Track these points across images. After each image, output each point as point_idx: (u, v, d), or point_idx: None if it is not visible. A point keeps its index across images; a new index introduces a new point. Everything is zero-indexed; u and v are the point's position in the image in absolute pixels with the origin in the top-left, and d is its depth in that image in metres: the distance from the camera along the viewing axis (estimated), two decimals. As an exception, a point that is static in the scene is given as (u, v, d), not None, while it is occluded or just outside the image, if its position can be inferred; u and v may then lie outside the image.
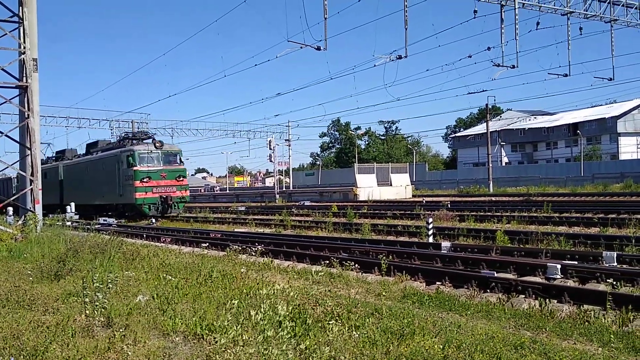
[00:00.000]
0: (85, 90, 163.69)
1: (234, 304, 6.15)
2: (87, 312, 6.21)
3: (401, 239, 15.30)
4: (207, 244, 15.26)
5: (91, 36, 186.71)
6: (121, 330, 5.47)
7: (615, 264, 9.61)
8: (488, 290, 8.23)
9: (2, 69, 16.35)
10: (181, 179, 31.40)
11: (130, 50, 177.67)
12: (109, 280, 7.15)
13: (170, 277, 8.32)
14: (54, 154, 47.50)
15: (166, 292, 7.19)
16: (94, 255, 9.92)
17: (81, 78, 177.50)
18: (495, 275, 8.80)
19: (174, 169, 31.42)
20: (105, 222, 27.89)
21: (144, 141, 32.52)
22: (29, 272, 9.50)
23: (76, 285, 7.72)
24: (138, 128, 45.30)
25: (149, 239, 18.22)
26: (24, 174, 16.66)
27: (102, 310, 6.15)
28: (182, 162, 32.82)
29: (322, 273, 9.73)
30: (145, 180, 29.80)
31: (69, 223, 19.35)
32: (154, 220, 27.63)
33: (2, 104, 17.30)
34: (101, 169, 34.44)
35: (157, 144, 31.33)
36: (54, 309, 6.66)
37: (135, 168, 30.11)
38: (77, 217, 28.30)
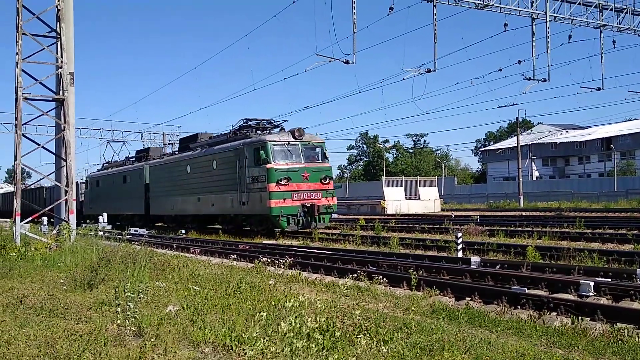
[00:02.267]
0: (119, 103, 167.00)
1: (262, 315, 6.19)
2: (119, 321, 6.32)
3: (430, 253, 15.18)
4: (236, 255, 15.36)
5: (124, 54, 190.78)
6: (152, 340, 5.55)
7: (651, 281, 9.38)
8: (519, 307, 8.10)
9: (40, 82, 16.83)
10: (327, 181, 23.32)
11: (162, 65, 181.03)
12: (140, 290, 7.27)
13: (199, 288, 8.41)
14: (131, 154, 42.38)
15: (196, 303, 7.27)
16: (125, 265, 10.08)
17: (115, 92, 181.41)
18: (526, 291, 8.66)
19: (318, 167, 23.34)
20: (136, 232, 28.18)
21: (272, 130, 24.74)
22: (63, 281, 9.72)
23: (108, 295, 7.86)
24: (169, 140, 45.92)
25: (179, 249, 18.41)
26: (59, 184, 17.04)
27: (134, 319, 6.25)
28: (327, 157, 24.56)
29: (350, 286, 9.73)
30: (283, 182, 21.97)
31: (101, 233, 19.71)
32: (183, 231, 27.80)
33: (39, 116, 17.76)
34: (209, 169, 26.36)
35: (297, 133, 23.08)
36: (87, 318, 6.79)
37: (269, 165, 22.05)
38: (109, 227, 28.37)
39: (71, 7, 17.09)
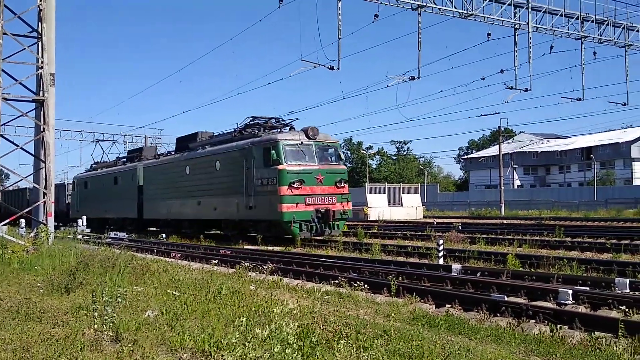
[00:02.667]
0: (99, 105, 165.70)
1: (242, 321, 6.15)
2: (96, 326, 6.23)
3: (411, 260, 15.22)
4: (217, 260, 15.27)
5: (106, 56, 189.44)
6: (129, 345, 5.48)
7: (628, 290, 9.49)
8: (498, 314, 8.15)
9: (20, 83, 16.62)
10: (342, 184, 21.66)
11: (145, 68, 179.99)
12: (119, 295, 7.18)
13: (179, 293, 8.33)
14: (122, 154, 40.68)
15: (175, 308, 7.20)
16: (104, 269, 9.96)
17: (95, 93, 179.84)
18: (506, 299, 8.72)
19: (333, 170, 21.71)
20: (116, 235, 27.86)
21: (283, 129, 22.98)
22: (40, 284, 9.58)
23: (86, 299, 7.76)
24: (151, 143, 45.45)
25: (159, 254, 18.26)
26: (37, 186, 16.82)
27: (111, 324, 6.16)
28: (342, 159, 23.56)
29: (332, 292, 9.71)
30: (295, 185, 20.32)
31: (80, 236, 19.46)
32: (164, 235, 27.49)
33: (18, 117, 17.52)
34: (212, 171, 24.62)
35: (311, 132, 21.35)
36: (64, 322, 6.69)
37: (280, 167, 20.42)
38: (88, 230, 27.99)
39: (53, 7, 16.92)
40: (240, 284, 9.82)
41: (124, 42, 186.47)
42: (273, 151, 20.54)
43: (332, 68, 20.14)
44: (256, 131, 23.06)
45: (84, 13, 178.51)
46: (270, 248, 19.88)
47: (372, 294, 9.94)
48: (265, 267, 12.54)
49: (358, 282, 10.29)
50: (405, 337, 6.08)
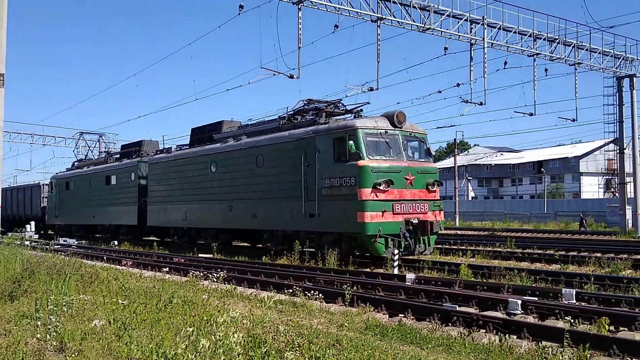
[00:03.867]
0: (53, 108, 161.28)
1: (191, 331, 6.04)
2: (40, 335, 6.02)
3: (367, 269, 15.29)
4: (169, 268, 15.00)
5: (60, 58, 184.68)
6: (74, 355, 5.32)
7: (574, 301, 9.75)
8: (450, 324, 8.24)
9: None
10: (435, 187, 16.92)
11: (100, 70, 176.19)
12: (64, 303, 6.96)
13: (128, 302, 8.13)
14: (110, 150, 36.67)
15: (123, 317, 7.02)
16: (50, 276, 9.65)
17: (49, 96, 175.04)
18: (458, 309, 8.83)
19: (424, 169, 16.99)
20: (65, 242, 26.97)
21: (359, 115, 18.05)
22: (-19, 292, 9.19)
23: (30, 307, 7.49)
24: (106, 147, 43.89)
25: (110, 261, 17.83)
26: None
27: (55, 334, 5.96)
28: (432, 155, 18.36)
29: (286, 302, 9.65)
30: (382, 187, 15.57)
31: (27, 243, 18.82)
32: (116, 243, 26.77)
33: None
34: (251, 168, 19.69)
35: (398, 119, 16.58)
36: (6, 331, 6.44)
37: (362, 163, 15.68)
38: (36, 236, 26.94)
39: (5, 7, 16.38)
40: (192, 292, 9.67)
41: (78, 44, 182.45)
42: (351, 142, 15.71)
43: (291, 77, 20.10)
44: (316, 118, 18.29)
45: (35, 13, 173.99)
46: (226, 257, 19.59)
47: (327, 304, 9.93)
48: (218, 275, 12.38)
49: (313, 292, 10.26)
50: (357, 347, 6.08)
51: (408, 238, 15.65)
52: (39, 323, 6.24)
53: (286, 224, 18.20)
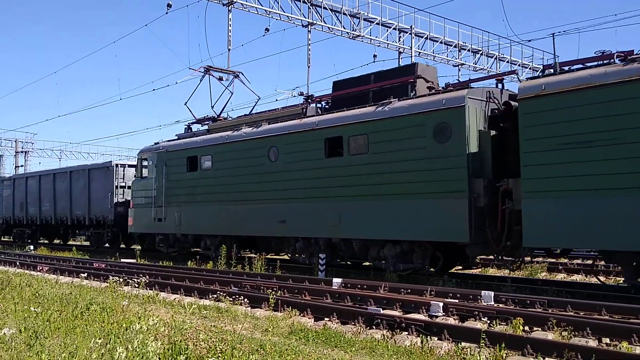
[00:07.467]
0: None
1: (108, 339, 5.80)
2: (-61, 346, 5.61)
3: (294, 274, 15.25)
4: (88, 274, 14.40)
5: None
6: (-23, 367, 4.97)
7: (493, 302, 10.11)
8: (374, 327, 8.34)
9: None
10: None
11: (17, 65, 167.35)
12: (-31, 312, 6.52)
13: (42, 309, 7.73)
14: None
15: (36, 325, 6.65)
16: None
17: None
18: (382, 312, 8.96)
19: None
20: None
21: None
22: None
23: None
24: (22, 148, 41.69)
25: (24, 267, 16.91)
26: None
27: (-43, 344, 5.57)
28: None
29: (210, 307, 9.47)
30: None
31: None
32: (32, 247, 25.60)
33: None
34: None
35: None
36: None
37: None
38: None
39: None
40: (112, 299, 9.32)
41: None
42: None
43: (220, 79, 19.89)
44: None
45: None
46: (149, 262, 19.00)
47: (252, 309, 9.83)
48: (139, 280, 12.00)
49: (238, 297, 10.12)
50: (280, 352, 6.04)
51: None
52: (-61, 333, 5.81)
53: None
